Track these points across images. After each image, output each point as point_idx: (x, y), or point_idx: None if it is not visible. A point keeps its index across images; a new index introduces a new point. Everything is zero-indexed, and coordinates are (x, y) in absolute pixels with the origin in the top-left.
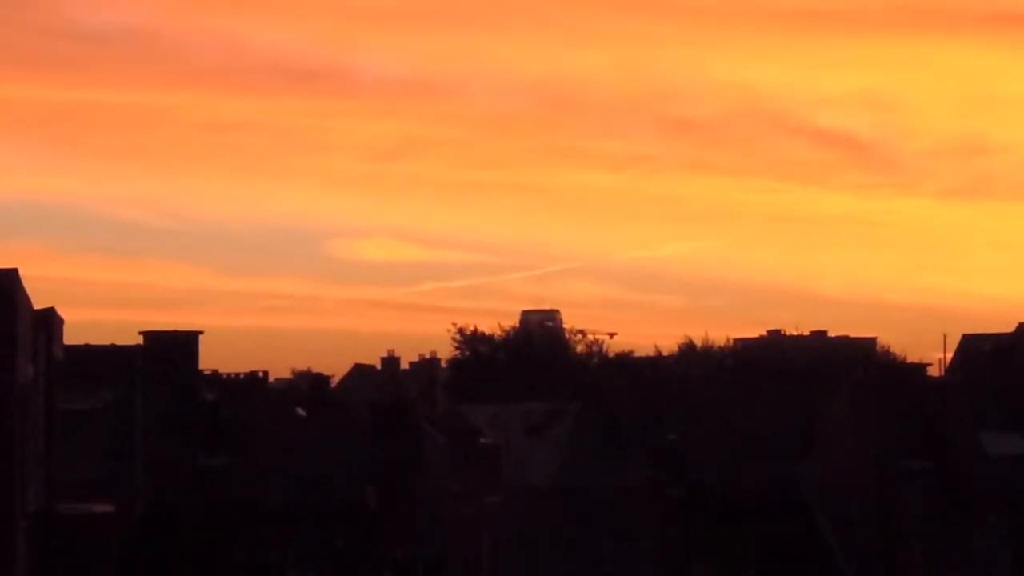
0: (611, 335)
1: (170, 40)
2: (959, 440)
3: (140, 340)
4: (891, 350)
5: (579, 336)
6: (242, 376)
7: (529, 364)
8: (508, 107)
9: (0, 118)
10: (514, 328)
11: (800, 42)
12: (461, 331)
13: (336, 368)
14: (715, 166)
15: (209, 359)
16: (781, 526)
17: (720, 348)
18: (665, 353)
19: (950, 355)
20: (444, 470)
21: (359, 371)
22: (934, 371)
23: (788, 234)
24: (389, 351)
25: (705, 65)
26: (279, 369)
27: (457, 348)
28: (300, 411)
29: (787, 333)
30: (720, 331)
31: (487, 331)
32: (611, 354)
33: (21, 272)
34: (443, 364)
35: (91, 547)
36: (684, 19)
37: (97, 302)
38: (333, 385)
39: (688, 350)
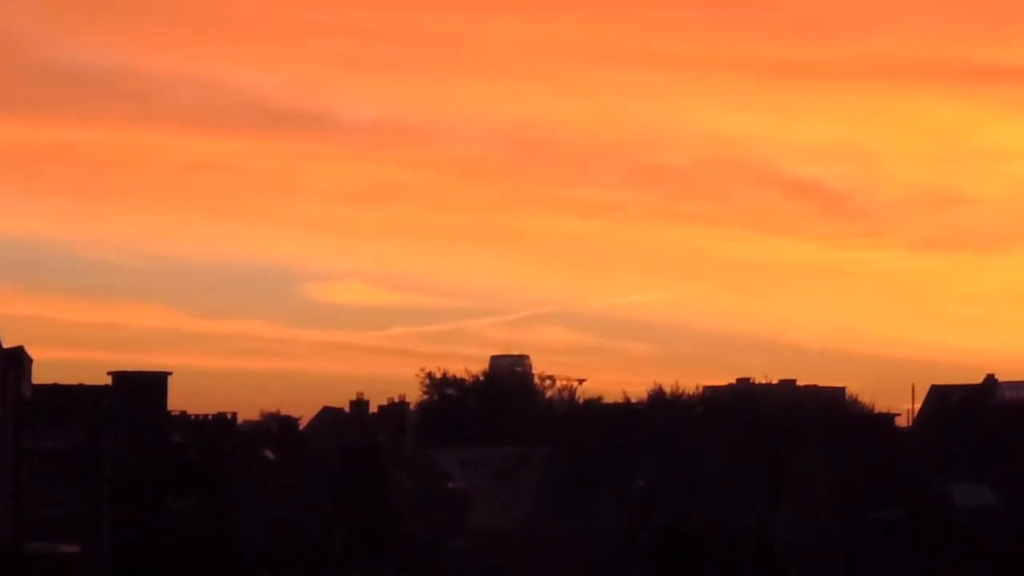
0: (580, 381)
1: (144, 80)
2: (928, 491)
3: (109, 380)
4: (859, 399)
5: (549, 382)
6: (211, 417)
7: (498, 409)
8: (481, 153)
9: None
10: (483, 373)
11: (772, 92)
12: (430, 375)
13: (305, 410)
14: (686, 214)
15: (178, 400)
16: (750, 574)
17: (689, 395)
18: (634, 400)
19: (918, 405)
20: (412, 514)
21: (328, 414)
22: (902, 421)
23: (758, 283)
24: (358, 394)
25: (677, 114)
26: (248, 411)
27: (425, 392)
28: (269, 453)
29: (756, 381)
30: (690, 378)
31: (457, 375)
32: (581, 400)
33: None
34: (412, 407)
35: None
36: (656, 68)
37: (66, 342)
38: (302, 427)
39: (658, 397)
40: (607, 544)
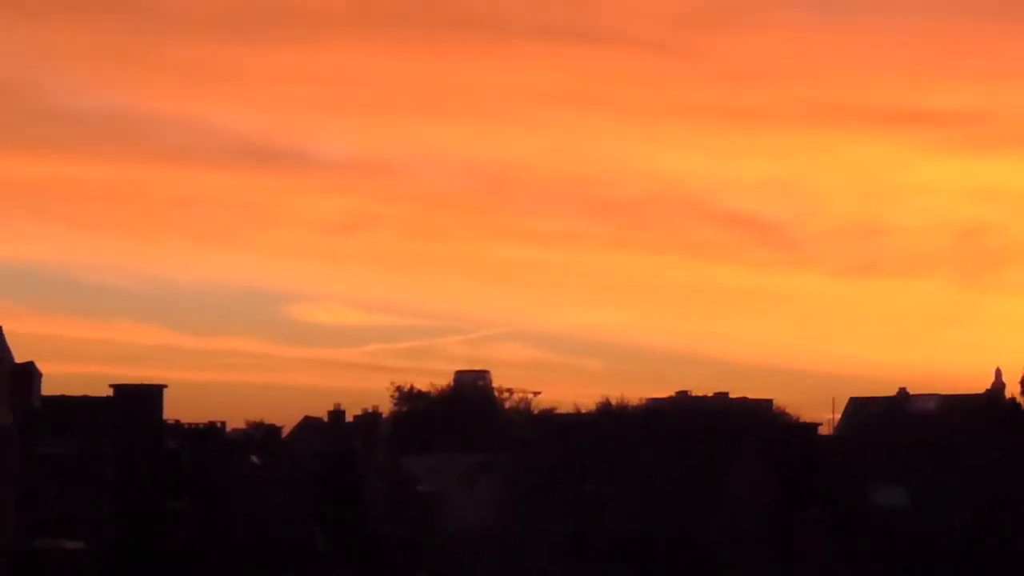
0: (536, 394)
1: (140, 122)
2: (849, 492)
3: (110, 392)
4: (786, 410)
5: (507, 394)
6: (202, 426)
7: (462, 419)
8: (447, 187)
9: None
10: (448, 386)
11: (711, 134)
12: (400, 388)
13: (287, 419)
14: (634, 244)
15: (172, 410)
16: (689, 570)
17: (634, 407)
18: (584, 411)
19: (839, 415)
20: (385, 515)
21: (307, 423)
22: (825, 430)
23: (697, 305)
24: (335, 405)
25: (626, 153)
26: (235, 420)
27: (396, 404)
28: (254, 458)
29: (694, 393)
30: (634, 391)
31: (424, 389)
32: (536, 411)
33: (3, 329)
34: (385, 418)
35: None
36: (608, 112)
37: (71, 357)
38: (284, 435)
39: (606, 408)
40: (562, 544)
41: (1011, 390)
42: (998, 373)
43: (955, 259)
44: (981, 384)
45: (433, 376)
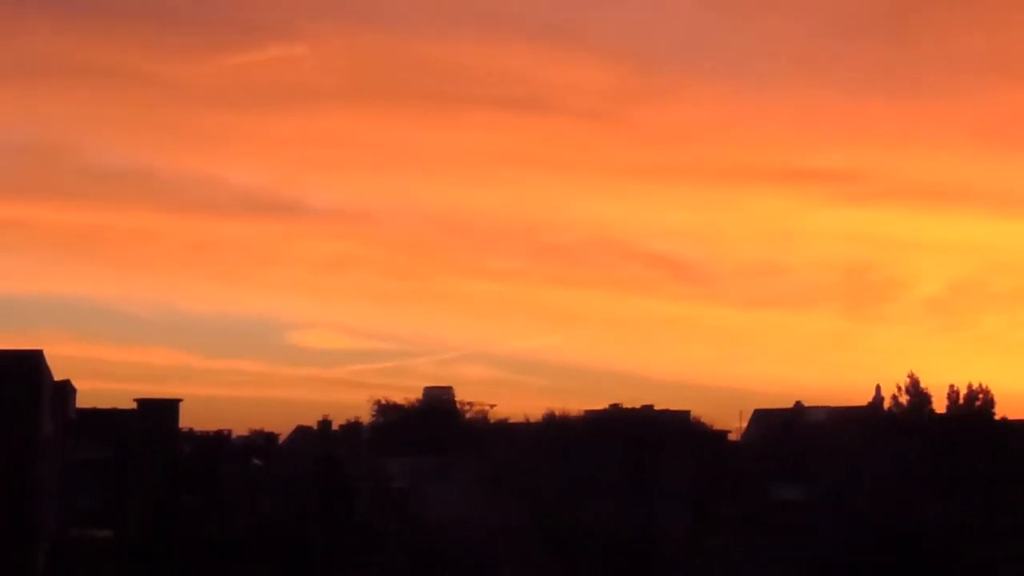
0: (492, 406)
1: (164, 178)
2: (754, 489)
3: (135, 405)
4: (701, 420)
5: (468, 406)
6: (212, 433)
7: (430, 427)
8: (418, 233)
9: (36, 236)
10: (419, 400)
11: (638, 188)
12: (378, 402)
13: (283, 428)
14: (573, 280)
15: (187, 420)
16: (631, 560)
17: (574, 417)
18: (532, 420)
19: (745, 424)
20: (366, 508)
21: (301, 431)
22: (733, 436)
23: (626, 332)
24: (324, 415)
25: (567, 204)
26: (239, 428)
27: (375, 415)
28: (256, 461)
29: (624, 406)
30: (574, 404)
31: (399, 402)
32: (492, 421)
33: (45, 352)
34: (365, 426)
35: (95, 564)
36: (552, 169)
37: (102, 376)
38: (281, 441)
39: (550, 418)
40: (515, 531)
41: (888, 403)
42: (878, 389)
43: (841, 293)
44: (863, 398)
45: (406, 391)
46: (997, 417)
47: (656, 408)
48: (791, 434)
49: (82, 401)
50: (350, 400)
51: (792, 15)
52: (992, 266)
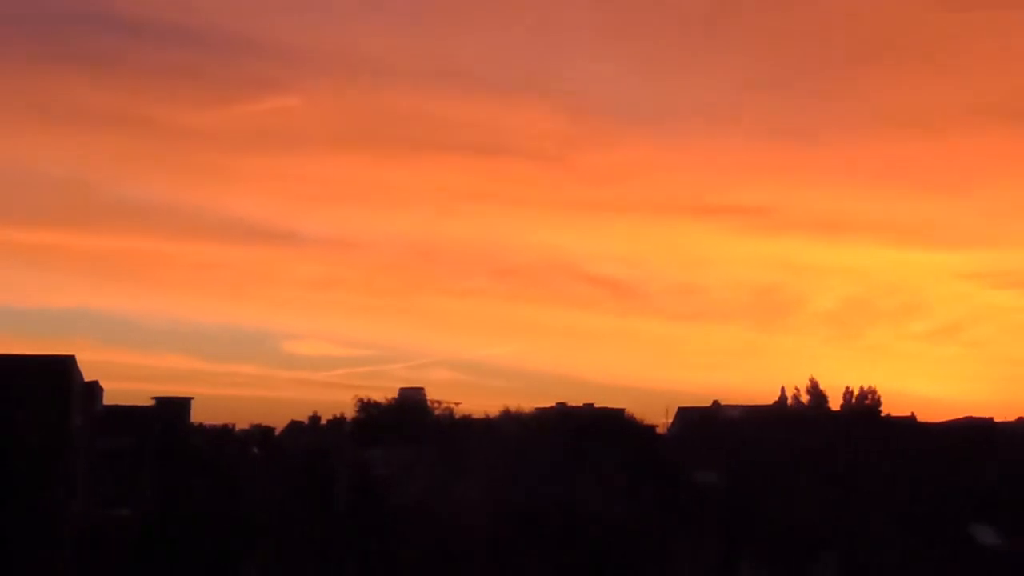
0: (457, 404)
1: (178, 209)
2: (679, 476)
3: (152, 403)
4: (634, 417)
5: (437, 404)
6: (218, 427)
7: (405, 423)
8: (394, 258)
9: (70, 258)
10: (395, 399)
11: (582, 220)
12: (360, 400)
13: (279, 423)
14: (526, 298)
15: (197, 416)
16: (570, 531)
17: (526, 413)
18: (491, 416)
19: (671, 420)
20: (350, 494)
21: (294, 425)
22: (661, 430)
23: (571, 341)
24: (314, 412)
25: (521, 233)
26: (242, 423)
27: (358, 411)
28: (255, 451)
29: (569, 404)
30: (527, 402)
31: (378, 400)
32: (457, 416)
33: (76, 357)
34: (349, 421)
35: (116, 538)
36: (509, 204)
37: (125, 377)
38: (276, 434)
39: (506, 414)
40: (480, 516)
41: (791, 401)
42: (783, 390)
43: (751, 309)
44: (771, 397)
45: (384, 391)
46: (883, 414)
47: (596, 406)
48: (710, 428)
49: (108, 399)
50: (336, 399)
51: (706, 74)
52: (878, 286)
